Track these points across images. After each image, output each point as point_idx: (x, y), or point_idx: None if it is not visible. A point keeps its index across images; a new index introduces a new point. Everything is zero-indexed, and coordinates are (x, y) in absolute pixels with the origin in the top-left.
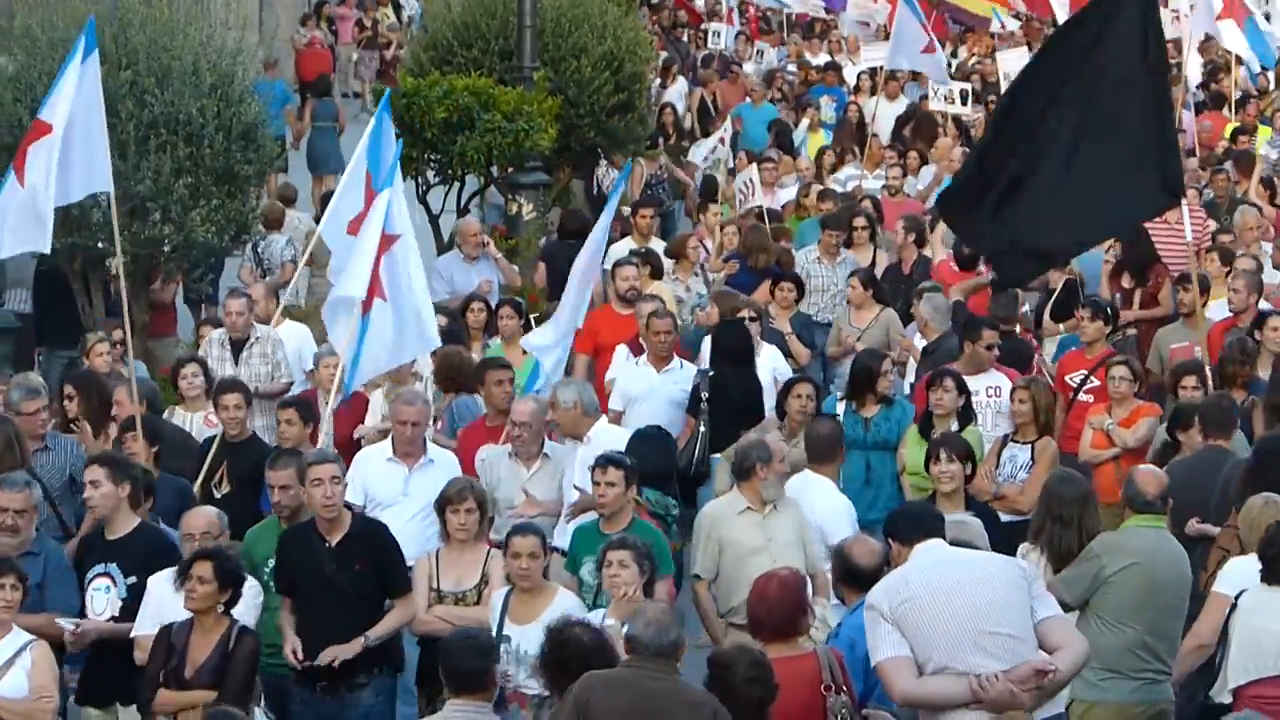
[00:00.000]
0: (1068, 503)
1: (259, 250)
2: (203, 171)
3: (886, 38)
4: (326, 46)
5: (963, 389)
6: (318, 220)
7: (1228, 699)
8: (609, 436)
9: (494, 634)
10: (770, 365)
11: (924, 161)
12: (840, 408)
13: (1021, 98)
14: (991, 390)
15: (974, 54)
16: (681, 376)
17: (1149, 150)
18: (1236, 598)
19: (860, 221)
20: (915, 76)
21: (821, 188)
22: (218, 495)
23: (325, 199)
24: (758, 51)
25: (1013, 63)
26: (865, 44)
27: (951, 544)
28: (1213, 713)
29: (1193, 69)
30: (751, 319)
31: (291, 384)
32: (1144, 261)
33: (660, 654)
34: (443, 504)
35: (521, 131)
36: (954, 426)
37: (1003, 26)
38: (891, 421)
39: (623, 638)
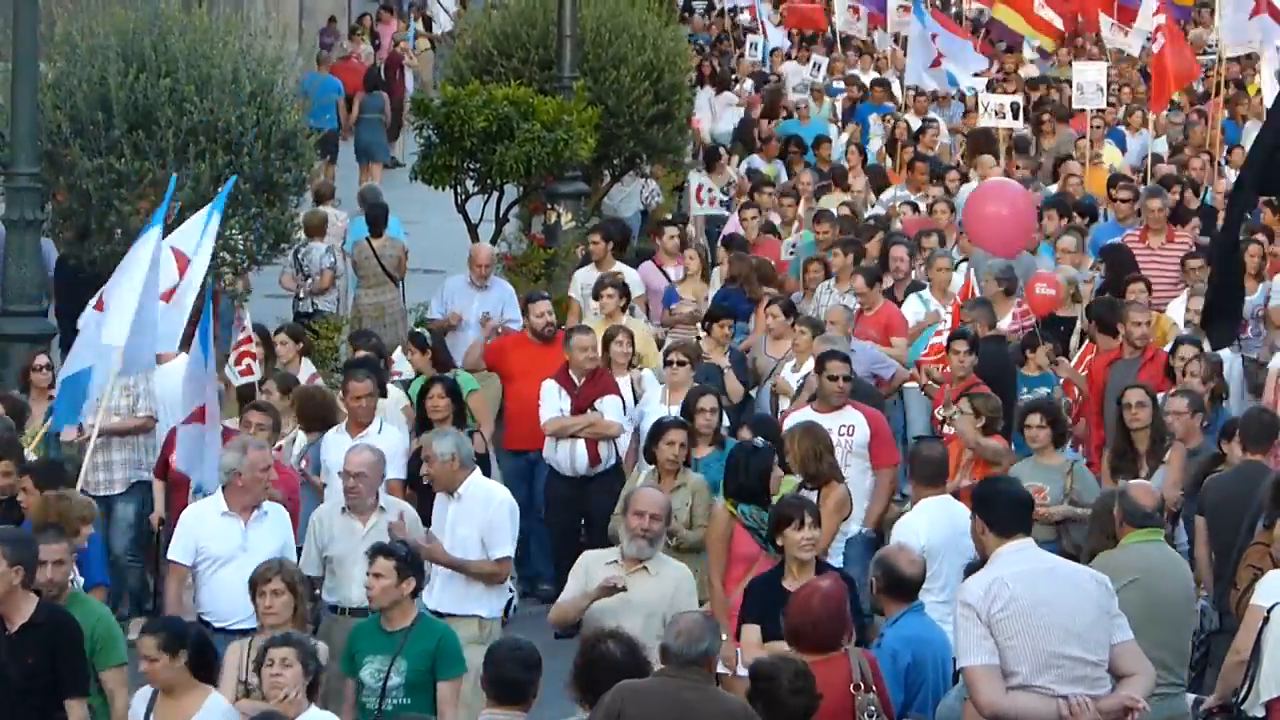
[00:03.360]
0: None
1: (300, 257)
2: (242, 179)
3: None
4: (365, 60)
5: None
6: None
7: (1260, 712)
8: (482, 491)
9: None
10: None
11: (964, 180)
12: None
13: None
14: (845, 429)
15: (1004, 70)
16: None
17: None
18: (1269, 610)
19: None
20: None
21: (818, 209)
22: None
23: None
24: (814, 65)
25: (1090, 75)
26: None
27: None
28: None
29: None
30: (680, 363)
31: (152, 418)
32: (1121, 289)
33: (692, 663)
34: (252, 585)
35: (561, 141)
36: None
37: (1037, 50)
38: (722, 463)
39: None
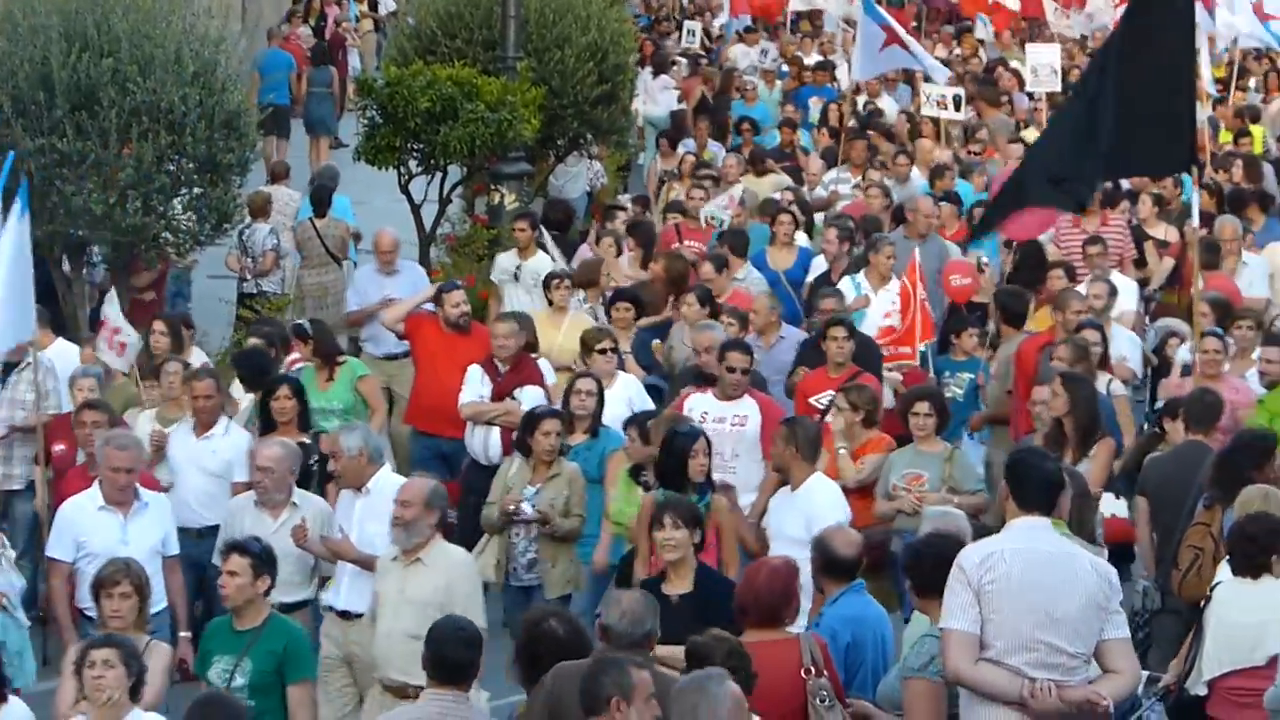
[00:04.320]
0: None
1: (244, 238)
2: (185, 160)
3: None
4: (305, 43)
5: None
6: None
7: (1203, 691)
8: (390, 486)
9: None
10: (625, 395)
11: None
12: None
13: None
14: (738, 420)
15: (958, 53)
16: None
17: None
18: (1211, 589)
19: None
20: (909, 78)
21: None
22: None
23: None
24: (761, 50)
25: (1044, 57)
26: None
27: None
28: (1187, 705)
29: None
30: (607, 350)
31: (59, 413)
32: (1036, 271)
33: (635, 644)
34: (97, 586)
35: (505, 122)
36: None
37: (985, 28)
38: (593, 452)
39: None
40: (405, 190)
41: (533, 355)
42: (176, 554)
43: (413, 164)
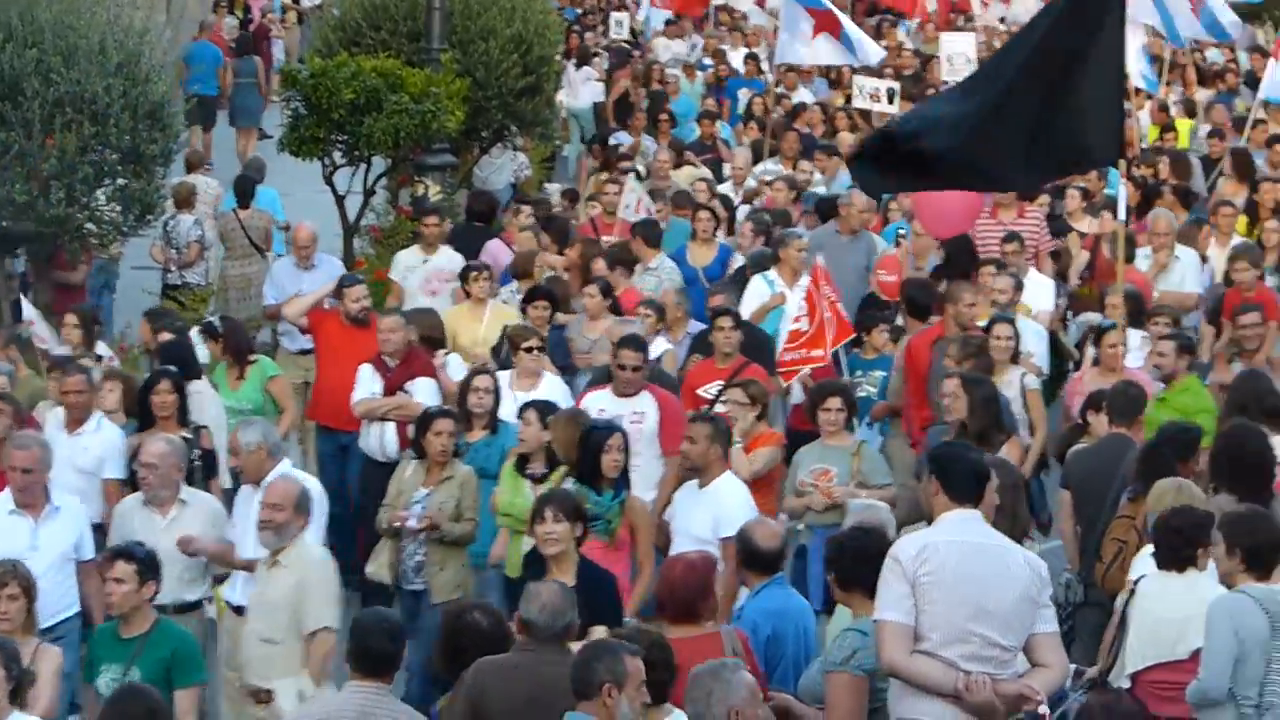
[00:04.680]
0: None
1: (168, 229)
2: (109, 150)
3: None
4: (229, 34)
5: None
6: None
7: (1126, 684)
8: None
9: None
10: (549, 396)
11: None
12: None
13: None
14: (636, 416)
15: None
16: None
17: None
18: (1135, 583)
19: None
20: (826, 72)
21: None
22: None
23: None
24: (691, 44)
25: (959, 45)
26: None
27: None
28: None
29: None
30: (534, 349)
31: None
32: (965, 268)
33: (554, 637)
34: None
35: (429, 113)
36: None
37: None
38: (493, 449)
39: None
40: (329, 182)
41: (442, 350)
42: (91, 558)
43: (337, 155)
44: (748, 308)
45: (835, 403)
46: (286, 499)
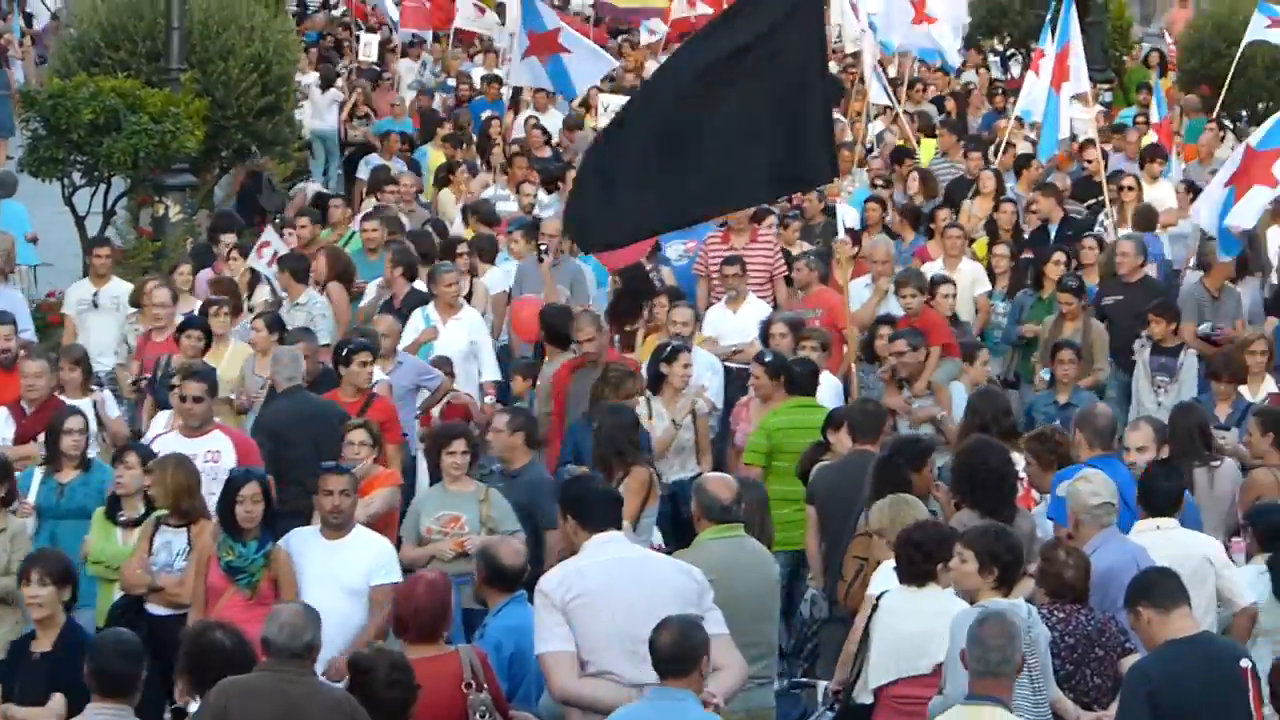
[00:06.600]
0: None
1: None
2: None
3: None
4: None
5: None
6: None
7: (869, 699)
8: None
9: None
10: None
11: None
12: None
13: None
14: (211, 455)
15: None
16: None
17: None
18: (878, 599)
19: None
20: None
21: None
22: None
23: None
24: (422, 63)
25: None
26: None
27: None
28: (854, 713)
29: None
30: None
31: None
32: (638, 298)
33: (295, 656)
34: None
35: (168, 133)
36: None
37: (651, 33)
38: (90, 486)
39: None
40: (69, 202)
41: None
42: None
43: (77, 176)
44: (405, 341)
45: (459, 445)
46: None
